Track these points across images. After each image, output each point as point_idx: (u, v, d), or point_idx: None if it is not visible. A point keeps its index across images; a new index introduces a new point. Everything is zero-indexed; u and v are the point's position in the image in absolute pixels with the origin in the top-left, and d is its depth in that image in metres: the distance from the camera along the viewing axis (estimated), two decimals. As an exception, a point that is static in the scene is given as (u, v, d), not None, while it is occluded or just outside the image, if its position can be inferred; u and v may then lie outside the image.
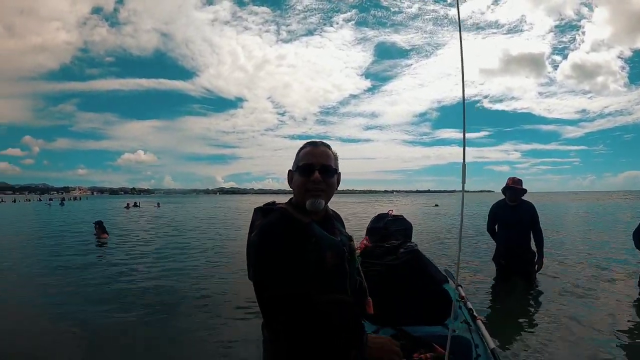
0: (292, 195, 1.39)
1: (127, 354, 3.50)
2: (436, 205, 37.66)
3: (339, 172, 1.41)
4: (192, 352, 3.47)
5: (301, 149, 1.38)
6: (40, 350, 3.49)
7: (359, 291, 1.41)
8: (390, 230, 4.38)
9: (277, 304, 1.19)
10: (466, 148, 1.28)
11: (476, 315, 2.19)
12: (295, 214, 1.31)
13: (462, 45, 1.16)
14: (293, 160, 1.40)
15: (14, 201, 62.56)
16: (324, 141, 1.41)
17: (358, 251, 1.58)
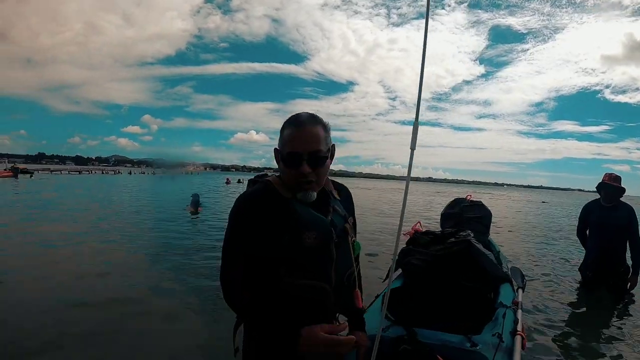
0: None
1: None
2: (543, 202, 33.76)
3: (332, 144, 1.19)
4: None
5: (284, 127, 1.16)
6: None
7: (348, 281, 1.23)
8: (465, 216, 3.94)
9: (225, 282, 1.15)
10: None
11: (518, 330, 1.73)
12: (279, 188, 1.17)
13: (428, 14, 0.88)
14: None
15: (130, 173, 71.62)
16: (312, 112, 1.18)
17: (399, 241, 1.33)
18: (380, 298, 2.22)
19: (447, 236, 2.59)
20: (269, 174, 1.33)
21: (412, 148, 0.89)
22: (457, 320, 1.82)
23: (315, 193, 1.15)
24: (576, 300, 4.38)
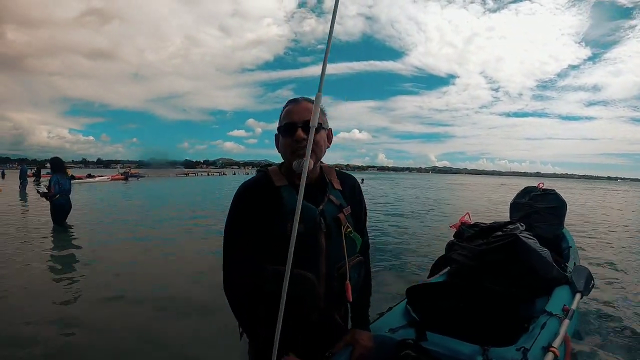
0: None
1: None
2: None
3: (329, 128, 1.25)
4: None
5: (283, 108, 1.24)
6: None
7: (338, 272, 1.21)
8: (535, 207, 3.53)
9: (224, 266, 1.21)
10: None
11: (553, 345, 1.44)
12: (273, 177, 1.22)
13: None
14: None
15: (234, 173, 77.61)
16: (308, 97, 1.24)
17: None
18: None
19: (493, 229, 2.32)
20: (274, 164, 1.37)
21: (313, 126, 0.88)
22: (485, 327, 1.59)
23: (312, 162, 1.15)
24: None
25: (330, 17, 0.91)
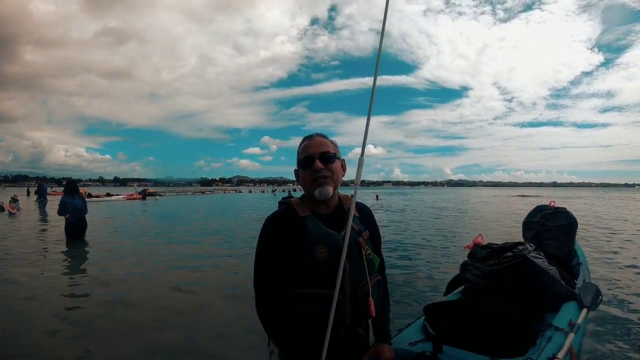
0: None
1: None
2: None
3: (342, 159, 1.42)
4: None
5: (299, 145, 1.42)
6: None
7: (362, 291, 1.33)
8: (547, 225, 3.68)
9: (255, 290, 1.34)
10: None
11: (557, 356, 1.60)
12: (297, 208, 1.36)
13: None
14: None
15: (250, 191, 77.78)
16: (320, 132, 1.43)
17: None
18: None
19: (504, 250, 2.49)
20: (294, 195, 1.57)
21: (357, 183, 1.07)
22: (496, 341, 1.77)
23: (331, 189, 1.32)
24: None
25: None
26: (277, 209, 1.44)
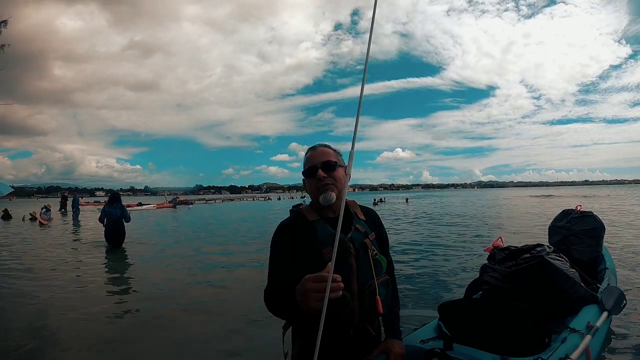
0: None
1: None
2: None
3: (345, 166, 1.46)
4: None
5: (304, 156, 1.53)
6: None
7: (369, 289, 1.39)
8: (573, 230, 3.60)
9: (268, 290, 1.40)
10: None
11: (571, 357, 1.59)
12: (306, 214, 1.46)
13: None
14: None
15: (279, 198, 76.82)
16: (324, 143, 1.53)
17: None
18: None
19: (522, 252, 2.48)
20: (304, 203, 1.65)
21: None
22: (508, 341, 1.77)
23: (334, 195, 1.40)
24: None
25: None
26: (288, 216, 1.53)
